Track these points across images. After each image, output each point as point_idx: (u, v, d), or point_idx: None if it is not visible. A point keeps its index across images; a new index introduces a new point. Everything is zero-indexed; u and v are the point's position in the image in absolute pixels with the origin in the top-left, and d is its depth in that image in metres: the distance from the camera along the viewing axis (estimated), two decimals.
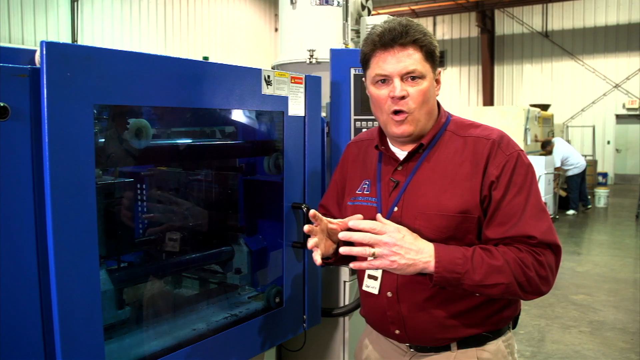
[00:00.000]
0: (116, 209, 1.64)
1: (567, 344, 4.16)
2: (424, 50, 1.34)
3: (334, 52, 2.27)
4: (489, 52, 16.84)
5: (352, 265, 1.31)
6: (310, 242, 1.35)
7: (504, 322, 1.46)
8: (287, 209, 1.88)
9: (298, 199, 1.92)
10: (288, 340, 2.08)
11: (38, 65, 1.17)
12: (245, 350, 1.77)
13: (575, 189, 10.08)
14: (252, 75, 1.71)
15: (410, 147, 1.43)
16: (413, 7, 15.75)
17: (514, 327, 1.54)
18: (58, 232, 1.18)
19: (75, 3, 12.08)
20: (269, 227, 2.09)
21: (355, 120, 2.25)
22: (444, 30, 17.91)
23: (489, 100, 16.83)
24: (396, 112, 1.36)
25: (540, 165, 8.42)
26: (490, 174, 1.33)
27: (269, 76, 1.76)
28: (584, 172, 10.01)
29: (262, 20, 17.17)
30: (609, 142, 15.90)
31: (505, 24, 17.12)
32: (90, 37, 12.37)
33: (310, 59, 2.98)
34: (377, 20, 2.89)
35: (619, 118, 15.70)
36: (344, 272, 2.30)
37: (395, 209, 1.41)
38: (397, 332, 1.46)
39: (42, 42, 1.15)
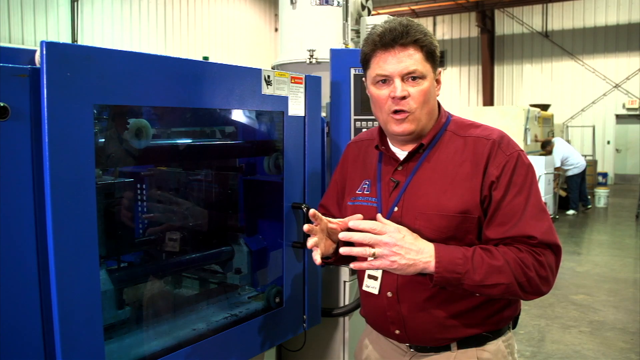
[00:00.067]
0: (116, 209, 1.64)
1: (567, 344, 4.16)
2: (425, 51, 1.34)
3: (334, 52, 2.27)
4: (489, 52, 16.84)
5: (352, 265, 1.31)
6: (310, 242, 1.35)
7: (504, 322, 1.46)
8: (287, 209, 1.88)
9: (298, 199, 1.92)
10: (288, 340, 2.08)
11: (38, 65, 1.17)
12: (245, 350, 1.77)
13: (575, 189, 10.08)
14: (252, 75, 1.71)
15: (410, 147, 1.43)
16: (413, 7, 15.75)
17: (514, 327, 1.54)
18: (58, 232, 1.18)
19: (75, 3, 12.08)
20: (269, 227, 2.09)
21: (355, 120, 2.25)
22: (444, 30, 17.91)
23: (489, 100, 16.83)
24: (396, 112, 1.36)
25: (540, 165, 8.42)
26: (490, 174, 1.33)
27: (269, 76, 1.76)
28: (584, 172, 10.01)
29: (262, 20, 17.17)
30: (609, 142, 15.90)
31: (505, 24, 17.13)
32: (90, 37, 12.37)
33: (310, 59, 2.98)
34: (377, 20, 2.89)
35: (619, 118, 15.70)
36: (344, 272, 2.30)
37: (396, 209, 1.41)
38: (397, 332, 1.46)
39: (42, 42, 1.15)
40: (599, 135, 15.57)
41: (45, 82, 1.15)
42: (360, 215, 1.40)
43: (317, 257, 1.35)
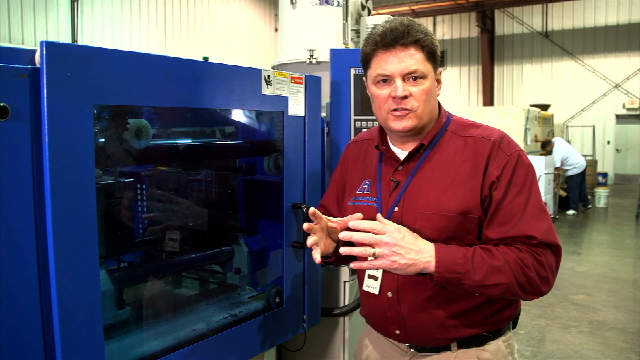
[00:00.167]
0: (116, 209, 1.64)
1: (567, 344, 4.16)
2: (426, 50, 1.34)
3: (334, 52, 2.27)
4: (489, 52, 16.84)
5: (352, 265, 1.31)
6: (310, 240, 1.35)
7: (504, 322, 1.46)
8: (287, 209, 1.88)
9: (298, 199, 1.92)
10: (288, 340, 2.08)
11: (38, 65, 1.17)
12: (245, 350, 1.77)
13: (575, 189, 10.08)
14: (252, 75, 1.71)
15: (410, 147, 1.43)
16: (413, 7, 15.76)
17: (514, 327, 1.54)
18: (58, 232, 1.18)
19: (75, 3, 12.08)
20: (269, 227, 2.09)
21: (355, 120, 2.25)
22: (444, 30, 17.91)
23: (489, 100, 16.83)
24: (396, 109, 1.36)
25: (540, 165, 8.42)
26: (490, 174, 1.33)
27: (269, 76, 1.76)
28: (584, 172, 10.01)
29: (262, 20, 17.17)
30: (609, 142, 15.90)
31: (505, 24, 17.12)
32: (90, 37, 12.37)
33: (310, 59, 2.98)
34: (377, 20, 2.89)
35: (619, 118, 15.70)
36: (344, 272, 2.30)
37: (396, 209, 1.41)
38: (397, 332, 1.46)
39: (42, 42, 1.15)
40: (599, 135, 15.57)
41: (45, 82, 1.15)
42: (360, 215, 1.40)
43: (316, 256, 1.35)
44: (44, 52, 1.15)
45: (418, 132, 1.41)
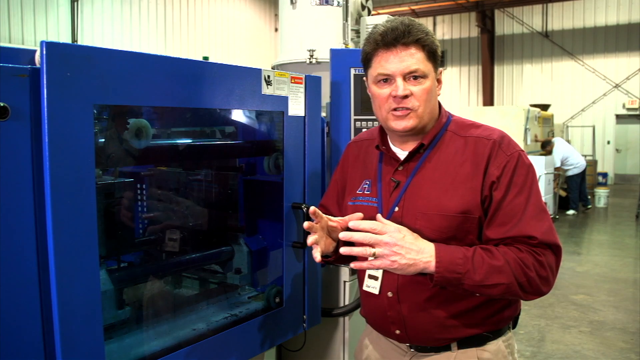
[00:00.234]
0: (116, 209, 1.64)
1: (567, 344, 4.16)
2: (426, 50, 1.34)
3: (334, 52, 2.27)
4: (489, 52, 16.84)
5: (352, 265, 1.31)
6: (310, 239, 1.35)
7: (504, 322, 1.46)
8: (287, 209, 1.88)
9: (298, 199, 1.92)
10: (288, 340, 2.08)
11: (38, 65, 1.17)
12: (245, 350, 1.77)
13: (575, 189, 10.08)
14: (252, 75, 1.71)
15: (411, 147, 1.43)
16: (413, 7, 15.76)
17: (514, 327, 1.54)
18: (58, 232, 1.18)
19: (75, 3, 12.07)
20: (269, 227, 2.09)
21: (355, 120, 2.25)
22: (444, 30, 17.92)
23: (489, 100, 16.83)
24: (397, 109, 1.36)
25: (540, 165, 8.42)
26: (491, 174, 1.34)
27: (269, 76, 1.76)
28: (584, 172, 10.01)
29: (262, 20, 17.17)
30: (609, 142, 15.90)
31: (505, 24, 17.12)
32: (90, 37, 12.37)
33: (310, 59, 2.98)
34: (377, 20, 2.89)
35: (619, 118, 15.70)
36: (344, 272, 2.30)
37: (396, 209, 1.41)
38: (397, 332, 1.46)
39: (42, 42, 1.15)
40: (599, 135, 15.57)
41: (45, 82, 1.15)
42: (360, 214, 1.40)
43: (317, 255, 1.35)
44: (44, 52, 1.15)
45: (418, 132, 1.41)
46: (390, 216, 1.40)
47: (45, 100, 1.15)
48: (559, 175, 9.70)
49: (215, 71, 1.57)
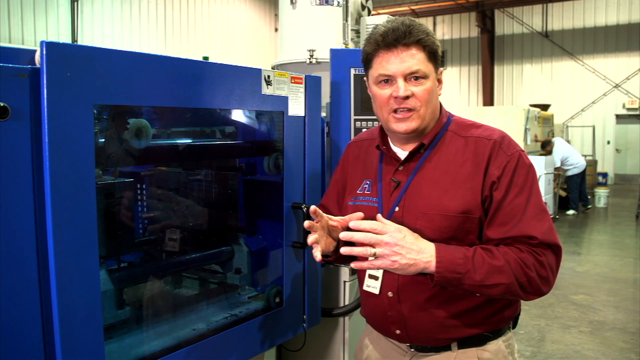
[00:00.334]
0: (116, 209, 1.64)
1: (567, 344, 4.16)
2: (427, 50, 1.34)
3: (334, 52, 2.27)
4: (489, 52, 16.84)
5: (353, 265, 1.31)
6: (311, 239, 1.35)
7: (504, 322, 1.46)
8: (287, 209, 1.88)
9: (298, 199, 1.92)
10: (288, 340, 2.08)
11: (38, 65, 1.17)
12: (245, 350, 1.77)
13: (575, 189, 10.08)
14: (252, 75, 1.71)
15: (411, 147, 1.43)
16: (413, 7, 15.76)
17: (514, 327, 1.54)
18: (58, 232, 1.18)
19: (75, 3, 12.07)
20: (269, 227, 2.09)
21: (355, 120, 2.25)
22: (444, 30, 17.92)
23: (489, 100, 16.83)
24: (397, 110, 1.36)
25: (540, 165, 8.42)
26: (491, 174, 1.34)
27: (269, 76, 1.76)
28: (583, 172, 10.01)
29: (262, 20, 17.17)
30: (609, 142, 15.90)
31: (505, 24, 17.13)
32: (90, 37, 12.37)
33: (310, 59, 2.98)
34: (377, 20, 2.89)
35: (619, 118, 15.70)
36: (344, 272, 2.30)
37: (397, 209, 1.41)
38: (397, 332, 1.46)
39: (42, 42, 1.15)
40: (599, 135, 15.57)
41: (45, 82, 1.15)
42: (360, 214, 1.40)
43: (317, 254, 1.35)
44: (44, 52, 1.15)
45: (420, 133, 1.41)
46: (390, 216, 1.40)
47: (45, 100, 1.15)
48: (559, 175, 9.70)
49: (215, 71, 1.57)
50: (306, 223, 1.35)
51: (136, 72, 1.35)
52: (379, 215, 1.36)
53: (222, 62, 1.63)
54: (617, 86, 15.57)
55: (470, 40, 17.56)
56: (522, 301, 1.51)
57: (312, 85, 1.94)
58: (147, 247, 1.92)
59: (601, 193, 11.11)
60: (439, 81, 1.43)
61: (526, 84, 16.91)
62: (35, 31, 11.40)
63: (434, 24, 17.88)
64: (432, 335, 1.42)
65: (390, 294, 1.44)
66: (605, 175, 13.11)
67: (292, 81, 1.86)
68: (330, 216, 1.42)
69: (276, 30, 16.44)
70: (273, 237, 2.03)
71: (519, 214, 1.31)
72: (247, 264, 2.05)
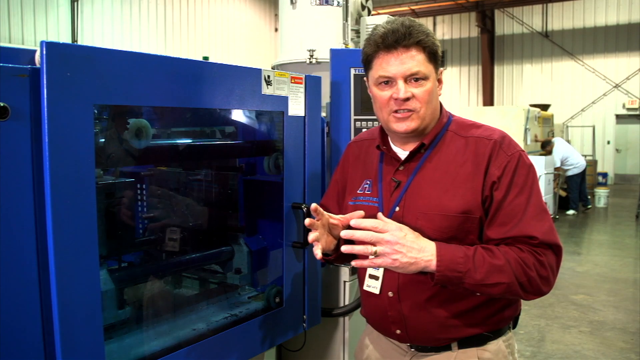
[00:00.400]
0: (116, 209, 1.64)
1: (567, 344, 4.16)
2: (427, 51, 1.34)
3: (334, 52, 2.27)
4: (489, 52, 16.84)
5: (354, 263, 1.30)
6: (311, 236, 1.35)
7: (504, 322, 1.46)
8: (287, 209, 1.88)
9: (298, 199, 1.92)
10: (288, 340, 2.08)
11: (38, 65, 1.17)
12: (245, 350, 1.77)
13: (575, 189, 10.08)
14: (252, 75, 1.71)
15: (411, 147, 1.43)
16: (413, 7, 15.76)
17: (514, 327, 1.53)
18: (58, 232, 1.18)
19: (75, 3, 12.07)
20: (269, 227, 2.09)
21: (355, 120, 2.25)
22: (444, 30, 17.92)
23: (489, 100, 16.83)
24: (398, 111, 1.36)
25: (540, 165, 8.42)
26: (491, 174, 1.34)
27: (269, 76, 1.76)
28: (583, 172, 10.01)
29: (262, 20, 17.17)
30: (609, 142, 15.90)
31: (505, 24, 17.12)
32: (90, 37, 12.37)
33: (310, 59, 2.98)
34: (377, 20, 2.89)
35: (619, 118, 15.70)
36: (344, 272, 2.30)
37: (397, 209, 1.41)
38: (398, 332, 1.46)
39: (42, 42, 1.15)
40: (599, 135, 15.57)
41: (45, 82, 1.15)
42: (361, 212, 1.40)
43: (317, 252, 1.35)
44: (44, 52, 1.15)
45: (420, 133, 1.41)
46: (391, 216, 1.39)
47: (45, 100, 1.15)
48: (559, 175, 9.70)
49: (215, 71, 1.57)
50: (307, 221, 1.35)
51: (136, 72, 1.35)
52: (380, 214, 1.36)
53: (222, 62, 1.63)
54: (617, 86, 15.57)
55: (470, 40, 17.55)
56: (522, 301, 1.51)
57: (312, 85, 1.94)
58: (147, 247, 1.92)
59: (601, 193, 11.11)
60: (439, 81, 1.43)
61: (526, 84, 16.91)
62: (35, 31, 11.40)
63: (434, 24, 17.88)
64: (433, 335, 1.42)
65: (390, 293, 1.44)
66: (605, 175, 13.11)
67: (292, 81, 1.86)
68: (331, 214, 1.42)
69: (276, 30, 16.44)
70: (273, 237, 2.03)
71: (519, 214, 1.31)
72: (247, 264, 2.05)
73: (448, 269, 1.26)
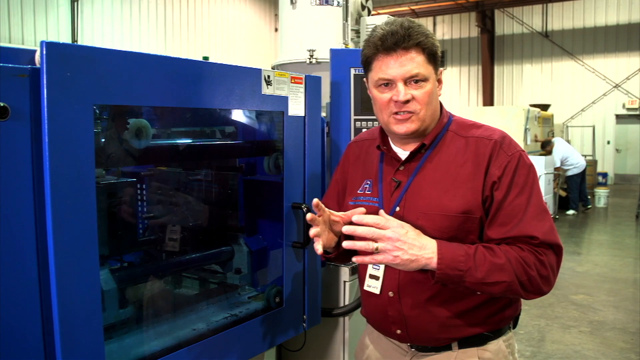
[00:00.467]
0: (118, 208, 1.64)
1: (567, 344, 4.16)
2: (427, 53, 1.34)
3: (334, 52, 2.27)
4: (489, 52, 16.84)
5: (354, 259, 1.30)
6: (312, 231, 1.35)
7: (505, 321, 1.46)
8: (287, 209, 1.88)
9: (298, 199, 1.92)
10: (288, 340, 2.08)
11: (38, 65, 1.17)
12: (245, 350, 1.77)
13: (575, 189, 10.08)
14: (252, 75, 1.71)
15: (412, 147, 1.43)
16: (413, 7, 15.75)
17: (514, 327, 1.53)
18: (58, 232, 1.18)
19: (75, 3, 12.08)
20: (269, 227, 2.09)
21: (355, 120, 2.25)
22: (444, 30, 17.92)
23: (489, 100, 16.83)
24: (398, 112, 1.36)
25: (540, 165, 8.42)
26: (492, 174, 1.34)
27: (269, 76, 1.76)
28: (583, 172, 10.00)
29: (262, 20, 17.17)
30: (609, 142, 15.89)
31: (505, 24, 17.12)
32: (90, 37, 12.37)
33: (310, 59, 2.98)
34: (377, 20, 2.89)
35: (619, 118, 15.70)
36: (344, 272, 2.30)
37: (397, 209, 1.41)
38: (398, 332, 1.46)
39: (42, 42, 1.15)
40: (599, 135, 15.57)
41: (45, 82, 1.15)
42: (363, 209, 1.39)
43: (318, 247, 1.35)
44: (44, 52, 1.15)
45: (420, 133, 1.41)
46: (391, 216, 1.39)
47: (45, 100, 1.15)
48: (559, 175, 9.70)
49: (215, 71, 1.57)
50: (308, 215, 1.35)
51: (136, 72, 1.35)
52: (381, 211, 1.35)
53: (222, 62, 1.63)
54: (617, 86, 15.57)
55: (470, 40, 17.55)
56: (522, 301, 1.51)
57: (312, 85, 1.94)
58: (147, 247, 1.92)
59: (601, 193, 11.11)
60: (439, 81, 1.43)
61: (526, 84, 16.91)
62: (35, 31, 11.40)
63: (434, 24, 17.89)
64: (433, 335, 1.42)
65: (391, 293, 1.44)
66: (605, 175, 13.11)
67: (292, 81, 1.86)
68: (332, 211, 1.42)
69: (276, 30, 16.44)
70: (273, 237, 2.03)
71: (519, 214, 1.31)
72: (247, 264, 2.05)
73: (449, 267, 1.26)
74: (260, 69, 1.74)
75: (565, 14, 16.22)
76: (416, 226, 1.33)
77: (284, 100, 1.83)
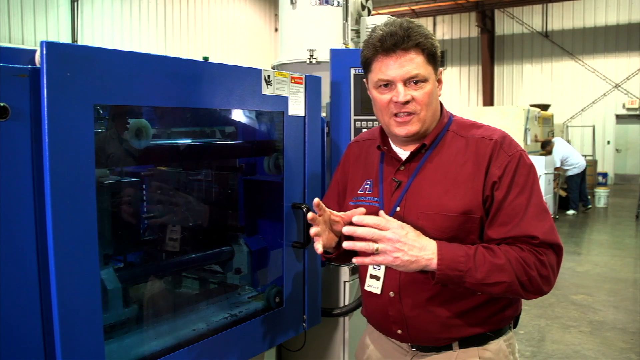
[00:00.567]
0: (120, 208, 1.64)
1: (567, 344, 4.16)
2: (426, 53, 1.34)
3: (334, 52, 2.27)
4: (489, 52, 16.84)
5: (354, 259, 1.30)
6: (313, 230, 1.35)
7: (505, 321, 1.46)
8: (287, 209, 1.88)
9: (298, 199, 1.92)
10: (288, 340, 2.08)
11: (38, 65, 1.17)
12: (245, 350, 1.77)
13: (575, 189, 10.08)
14: (252, 75, 1.71)
15: (412, 147, 1.43)
16: (413, 7, 15.75)
17: (514, 327, 1.53)
18: (58, 232, 1.18)
19: (75, 3, 12.08)
20: (269, 227, 2.09)
21: (355, 120, 2.25)
22: (444, 30, 17.91)
23: (489, 100, 16.83)
24: (398, 114, 1.36)
25: (540, 165, 8.42)
26: (492, 174, 1.34)
27: (269, 76, 1.76)
28: (584, 172, 10.00)
29: (262, 20, 17.17)
30: (609, 142, 15.90)
31: (505, 24, 17.13)
32: (90, 37, 12.37)
33: (310, 59, 2.98)
34: (377, 20, 2.90)
35: (619, 118, 15.70)
36: (344, 272, 2.30)
37: (398, 209, 1.41)
38: (399, 332, 1.46)
39: (42, 42, 1.15)
40: (599, 135, 15.57)
41: (45, 82, 1.15)
42: (363, 210, 1.39)
43: (318, 246, 1.35)
44: (44, 52, 1.15)
45: (421, 136, 1.41)
46: (391, 216, 1.39)
47: (45, 100, 1.15)
48: (559, 175, 9.69)
49: (215, 71, 1.57)
50: (309, 215, 1.35)
51: (136, 72, 1.34)
52: (381, 212, 1.35)
53: (222, 62, 1.63)
54: (617, 86, 15.57)
55: (470, 40, 17.56)
56: (522, 301, 1.51)
57: (312, 85, 1.94)
58: (148, 247, 1.92)
59: (601, 193, 11.11)
60: (439, 81, 1.43)
61: (526, 84, 16.91)
62: (35, 31, 11.40)
63: (434, 24, 17.89)
64: (434, 335, 1.42)
65: (391, 293, 1.44)
66: (605, 175, 13.11)
67: (292, 81, 1.86)
68: (332, 211, 1.42)
69: (276, 30, 16.44)
70: (273, 237, 2.02)
71: (520, 213, 1.31)
72: (247, 264, 2.05)
73: (449, 267, 1.26)
74: (260, 69, 1.73)
75: (565, 14, 16.23)
76: (416, 226, 1.33)
77: (284, 100, 1.83)
